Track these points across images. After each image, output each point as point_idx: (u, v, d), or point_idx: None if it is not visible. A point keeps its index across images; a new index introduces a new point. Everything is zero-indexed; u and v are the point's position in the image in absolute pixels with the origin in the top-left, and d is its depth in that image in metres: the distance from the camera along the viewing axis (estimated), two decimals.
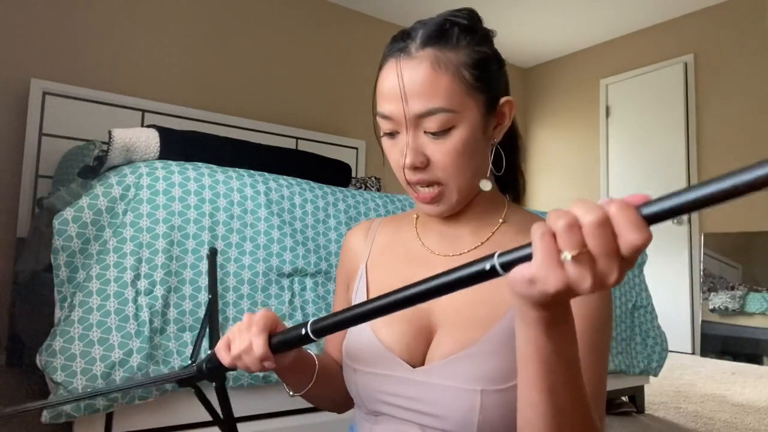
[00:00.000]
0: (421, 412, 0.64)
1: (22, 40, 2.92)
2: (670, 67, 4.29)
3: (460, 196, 0.66)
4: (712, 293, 3.80)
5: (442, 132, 0.63)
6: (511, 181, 0.78)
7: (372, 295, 0.73)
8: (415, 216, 0.78)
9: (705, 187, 0.32)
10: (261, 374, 1.25)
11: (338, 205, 1.52)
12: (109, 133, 1.35)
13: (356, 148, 4.11)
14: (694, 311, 3.94)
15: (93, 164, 1.50)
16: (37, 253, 1.92)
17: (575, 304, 0.58)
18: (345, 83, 4.21)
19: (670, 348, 3.80)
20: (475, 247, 0.69)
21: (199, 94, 3.54)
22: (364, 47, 4.29)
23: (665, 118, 4.27)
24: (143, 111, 3.19)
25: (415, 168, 0.64)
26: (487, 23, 0.68)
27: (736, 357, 3.59)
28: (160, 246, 1.19)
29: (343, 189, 1.59)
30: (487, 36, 0.67)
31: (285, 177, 1.50)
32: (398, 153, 0.66)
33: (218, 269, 1.25)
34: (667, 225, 4.12)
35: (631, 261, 0.37)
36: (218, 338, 0.66)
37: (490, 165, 0.69)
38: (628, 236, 0.35)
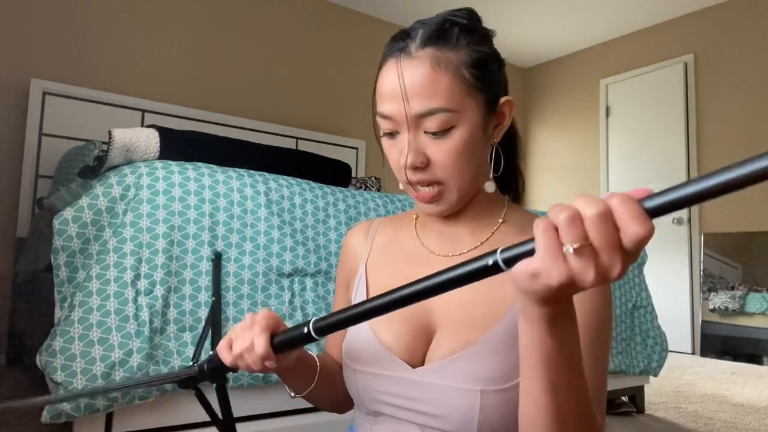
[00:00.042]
0: (421, 412, 0.63)
1: (22, 40, 2.92)
2: (670, 67, 4.29)
3: (459, 195, 0.66)
4: (712, 293, 3.80)
5: (443, 132, 0.62)
6: (510, 181, 0.78)
7: (372, 295, 0.73)
8: (414, 216, 0.78)
9: (707, 180, 0.32)
10: (261, 374, 1.25)
11: (338, 205, 1.52)
12: (109, 133, 1.35)
13: (356, 148, 4.11)
14: (694, 311, 3.94)
15: (93, 164, 1.51)
16: (37, 253, 1.92)
17: (575, 303, 0.58)
18: (345, 83, 4.21)
19: (670, 348, 3.80)
20: (474, 247, 0.69)
21: (199, 94, 3.54)
22: (364, 47, 4.29)
23: (665, 118, 4.27)
24: (143, 111, 3.19)
25: (415, 168, 0.64)
26: (487, 23, 0.68)
27: (736, 357, 3.59)
28: (160, 246, 1.19)
29: (343, 189, 1.59)
30: (486, 36, 0.67)
31: (285, 177, 1.50)
32: (398, 153, 0.66)
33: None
34: (668, 225, 4.12)
35: (633, 254, 0.37)
36: (220, 339, 0.66)
37: (491, 165, 0.69)
38: (630, 229, 0.35)
